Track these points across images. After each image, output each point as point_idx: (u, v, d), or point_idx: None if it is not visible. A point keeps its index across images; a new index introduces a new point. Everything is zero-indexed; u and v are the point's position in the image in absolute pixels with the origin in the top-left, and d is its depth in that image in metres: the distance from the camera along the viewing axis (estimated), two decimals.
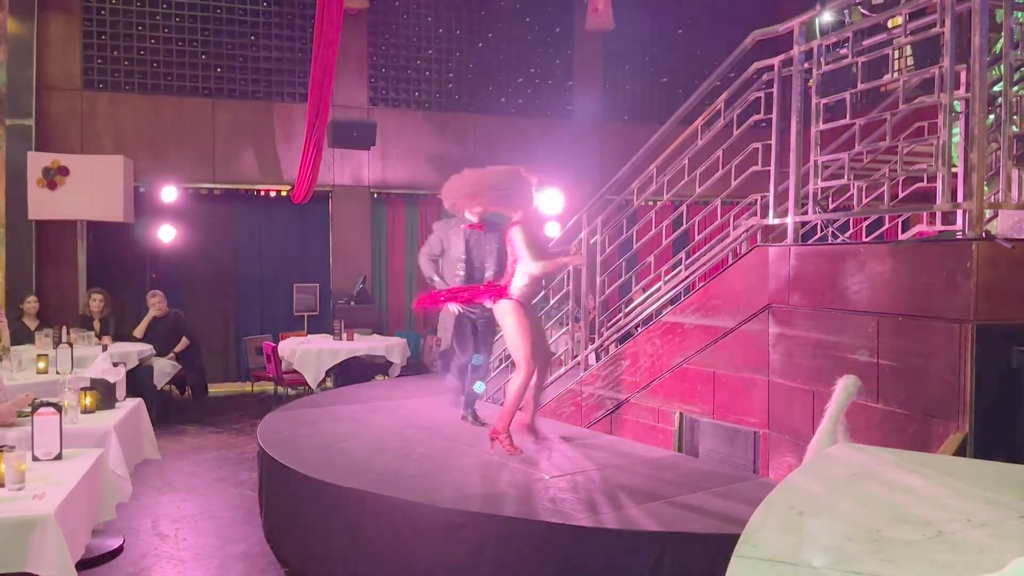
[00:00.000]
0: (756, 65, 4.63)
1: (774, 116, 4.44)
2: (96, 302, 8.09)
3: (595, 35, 10.61)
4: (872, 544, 1.66)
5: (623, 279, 5.61)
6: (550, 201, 9.37)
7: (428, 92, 10.47)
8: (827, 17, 4.92)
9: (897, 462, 2.38)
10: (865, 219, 5.61)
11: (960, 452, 3.03)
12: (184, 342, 8.21)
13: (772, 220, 4.49)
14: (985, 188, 3.36)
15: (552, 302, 6.06)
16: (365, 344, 8.23)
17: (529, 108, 10.85)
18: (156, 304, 8.22)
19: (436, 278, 5.34)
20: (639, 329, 5.13)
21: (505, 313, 4.51)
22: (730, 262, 4.67)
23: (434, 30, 10.45)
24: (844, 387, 3.12)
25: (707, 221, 5.56)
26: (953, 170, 3.56)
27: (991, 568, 1.31)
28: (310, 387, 7.82)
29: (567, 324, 5.81)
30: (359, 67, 10.13)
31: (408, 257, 10.51)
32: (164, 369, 7.84)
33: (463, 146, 10.47)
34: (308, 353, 7.79)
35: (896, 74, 3.74)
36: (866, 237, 5.64)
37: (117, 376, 4.83)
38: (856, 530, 1.74)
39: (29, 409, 3.75)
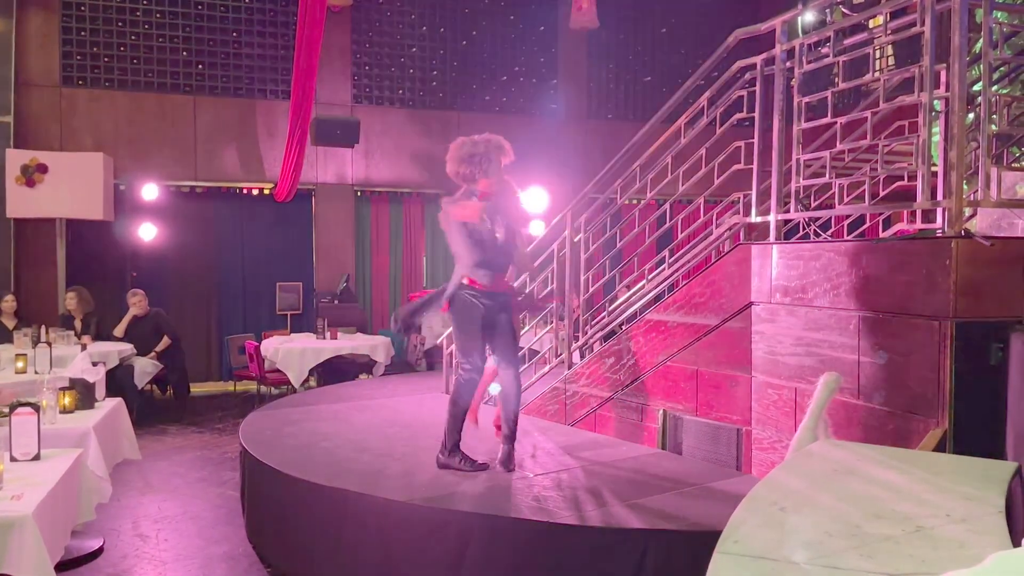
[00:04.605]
0: (739, 64, 4.65)
1: (756, 115, 4.46)
2: (70, 300, 8.01)
3: (579, 34, 10.61)
4: (852, 539, 1.67)
5: (607, 277, 5.62)
6: (534, 199, 9.40)
7: (412, 90, 10.44)
8: (809, 16, 4.95)
9: (877, 458, 2.40)
10: (847, 217, 5.64)
11: (940, 448, 3.05)
12: (165, 341, 8.14)
13: (755, 218, 4.51)
14: (964, 186, 3.39)
15: None
16: (349, 343, 8.20)
17: (513, 106, 10.85)
18: (137, 303, 8.15)
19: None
20: (623, 327, 5.14)
21: None
22: (713, 260, 4.69)
23: (418, 28, 10.42)
24: (825, 384, 3.14)
25: (690, 219, 5.58)
26: (933, 168, 3.59)
27: (970, 563, 1.32)
28: (293, 386, 7.77)
29: (551, 322, 5.82)
30: (342, 64, 10.09)
31: (392, 255, 10.48)
32: (145, 368, 7.78)
33: (447, 144, 10.35)
34: (291, 352, 7.74)
35: (877, 73, 3.76)
36: (848, 235, 5.68)
37: (97, 376, 4.78)
38: (837, 525, 1.75)
39: (7, 409, 3.71)
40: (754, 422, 4.08)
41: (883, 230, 5.62)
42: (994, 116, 3.62)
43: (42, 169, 8.35)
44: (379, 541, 3.59)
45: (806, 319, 3.77)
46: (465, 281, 4.09)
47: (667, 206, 5.37)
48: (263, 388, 8.37)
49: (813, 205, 5.49)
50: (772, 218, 4.23)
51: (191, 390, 8.65)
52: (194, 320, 9.72)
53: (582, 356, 5.41)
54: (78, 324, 7.92)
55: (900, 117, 5.13)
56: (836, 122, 3.97)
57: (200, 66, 9.58)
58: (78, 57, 9.15)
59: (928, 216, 5.17)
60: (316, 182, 10.01)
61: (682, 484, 3.88)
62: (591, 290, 5.61)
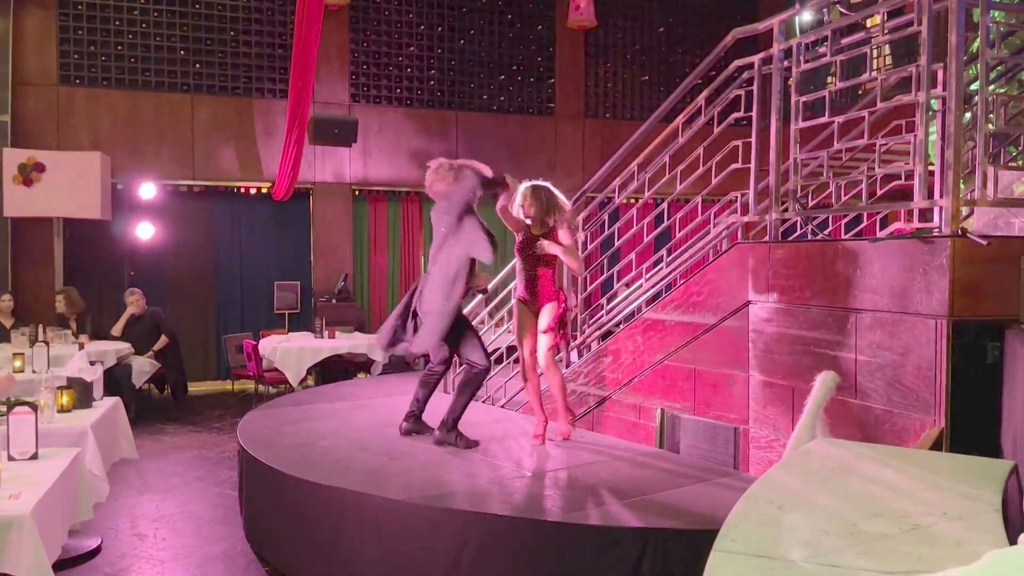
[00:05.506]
0: (736, 63, 4.66)
1: (754, 114, 4.46)
2: (59, 303, 8.01)
3: (577, 33, 10.63)
4: (849, 537, 1.68)
5: (605, 276, 5.62)
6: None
7: (409, 89, 10.44)
8: (806, 16, 4.96)
9: (875, 457, 2.40)
10: (844, 216, 5.65)
11: (936, 446, 3.06)
12: (163, 340, 8.14)
13: (752, 217, 4.52)
14: (961, 185, 3.40)
15: None
16: (347, 342, 8.19)
17: (511, 105, 10.85)
18: (134, 302, 8.15)
19: None
20: (621, 326, 5.15)
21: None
22: (711, 259, 4.69)
23: (415, 26, 10.41)
24: (823, 383, 3.15)
25: (688, 218, 5.58)
26: (930, 168, 3.60)
27: (966, 561, 1.33)
28: (291, 385, 7.77)
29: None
30: (340, 63, 10.08)
31: (390, 255, 10.48)
32: (143, 368, 7.77)
33: (445, 143, 10.46)
34: (289, 351, 7.74)
35: (875, 72, 3.76)
36: (845, 234, 5.69)
37: (94, 375, 4.78)
38: (834, 524, 1.76)
39: (4, 409, 3.71)
40: (751, 421, 4.09)
41: (880, 229, 5.63)
42: (991, 115, 3.62)
43: (39, 168, 8.34)
44: (377, 540, 3.59)
45: (803, 318, 3.78)
46: None
47: (665, 205, 5.38)
48: (261, 387, 8.36)
49: (810, 204, 5.50)
50: (769, 217, 4.23)
51: (189, 389, 8.65)
52: (192, 319, 9.71)
53: (580, 355, 5.42)
54: (73, 324, 7.92)
55: (897, 116, 5.14)
56: (833, 121, 3.98)
57: (198, 65, 9.57)
58: (75, 56, 9.14)
59: (925, 215, 5.18)
60: (314, 181, 10.00)
61: (679, 483, 3.88)
62: (589, 289, 5.62)
